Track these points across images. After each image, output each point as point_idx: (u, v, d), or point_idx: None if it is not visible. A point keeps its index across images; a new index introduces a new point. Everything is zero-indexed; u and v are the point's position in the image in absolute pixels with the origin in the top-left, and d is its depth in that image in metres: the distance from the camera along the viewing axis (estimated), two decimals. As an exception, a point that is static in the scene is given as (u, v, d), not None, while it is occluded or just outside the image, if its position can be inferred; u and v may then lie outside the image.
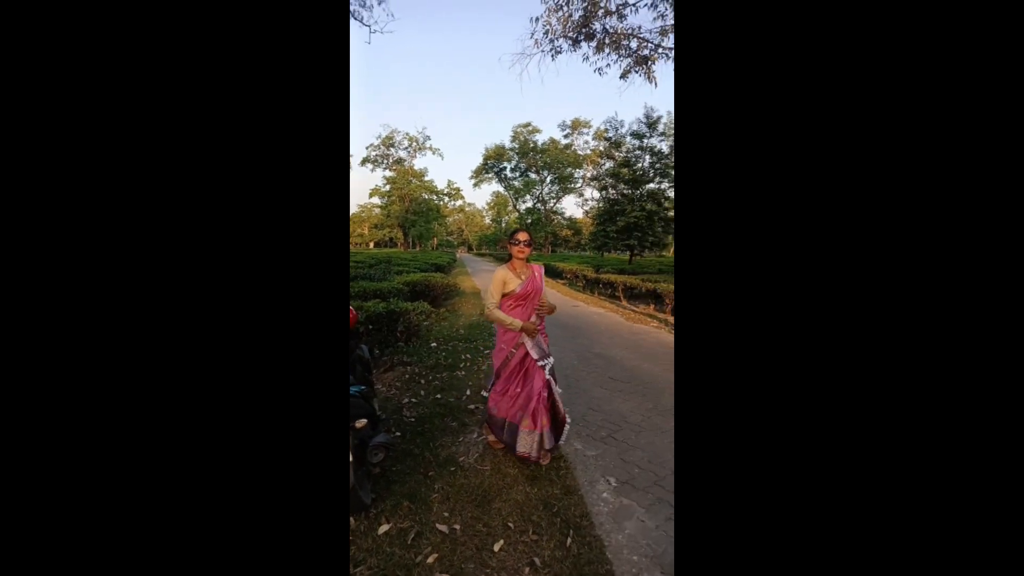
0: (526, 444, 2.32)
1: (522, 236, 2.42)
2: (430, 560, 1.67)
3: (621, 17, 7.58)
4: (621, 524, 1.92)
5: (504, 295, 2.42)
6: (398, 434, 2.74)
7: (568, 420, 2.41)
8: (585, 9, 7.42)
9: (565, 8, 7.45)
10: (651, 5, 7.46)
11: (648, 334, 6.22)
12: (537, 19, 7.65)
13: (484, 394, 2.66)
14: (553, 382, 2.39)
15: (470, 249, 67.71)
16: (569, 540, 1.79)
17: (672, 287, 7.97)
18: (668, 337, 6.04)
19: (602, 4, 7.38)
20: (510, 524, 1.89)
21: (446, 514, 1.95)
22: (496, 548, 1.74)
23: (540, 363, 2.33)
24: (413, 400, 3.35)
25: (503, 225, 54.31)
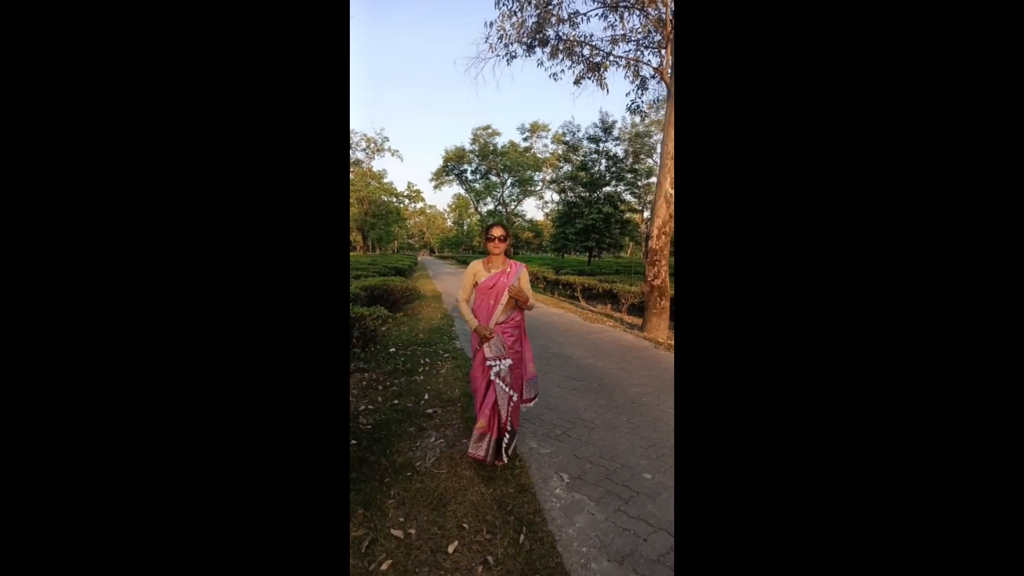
0: (477, 447, 2.33)
1: (496, 231, 2.39)
2: (384, 567, 1.68)
3: (574, 25, 7.79)
4: (572, 518, 2.00)
5: (475, 286, 2.44)
6: (353, 442, 2.71)
7: (508, 430, 2.34)
8: (539, 16, 7.57)
9: (519, 14, 7.57)
10: (602, 15, 7.72)
11: (604, 333, 6.42)
12: (491, 24, 7.72)
13: None
14: (502, 386, 2.30)
15: (432, 252, 66.93)
16: (522, 537, 1.85)
17: (627, 287, 8.25)
18: (623, 336, 6.26)
19: (555, 12, 7.56)
20: (465, 525, 1.92)
21: (401, 519, 1.96)
22: (450, 550, 1.77)
23: (488, 363, 2.31)
24: (370, 407, 3.31)
25: (465, 228, 54.08)
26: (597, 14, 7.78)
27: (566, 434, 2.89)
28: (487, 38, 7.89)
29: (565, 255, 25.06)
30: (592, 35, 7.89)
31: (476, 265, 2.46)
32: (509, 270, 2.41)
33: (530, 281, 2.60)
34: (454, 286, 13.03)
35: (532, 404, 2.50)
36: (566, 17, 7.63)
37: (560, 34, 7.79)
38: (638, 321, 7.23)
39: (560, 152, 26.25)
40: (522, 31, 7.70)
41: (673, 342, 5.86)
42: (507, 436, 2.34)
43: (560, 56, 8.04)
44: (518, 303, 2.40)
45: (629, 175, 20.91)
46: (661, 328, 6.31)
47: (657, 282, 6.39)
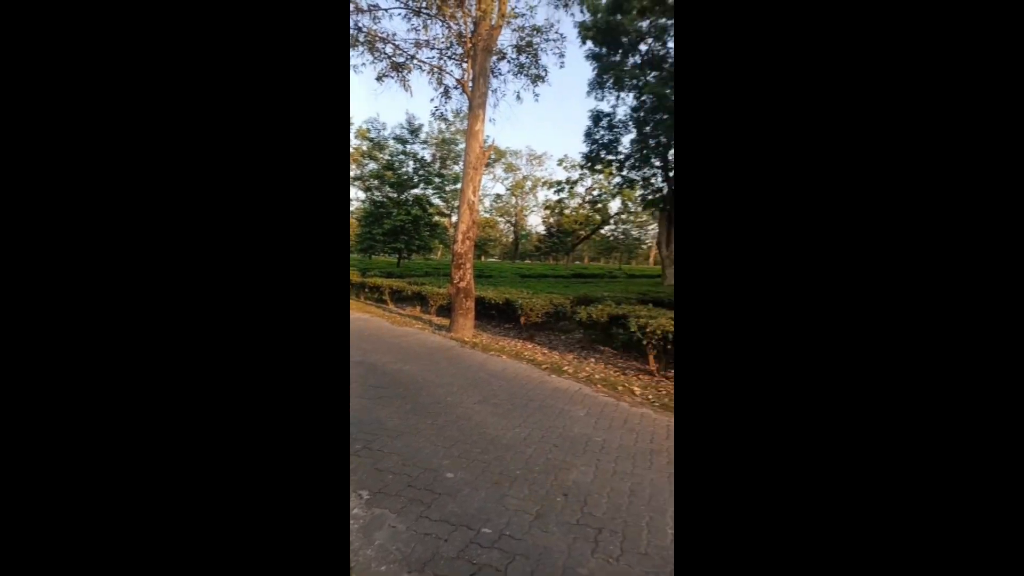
0: None
1: None
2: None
3: (375, 18, 7.50)
4: (371, 536, 1.88)
5: None
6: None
7: None
8: (335, -2, 7.00)
9: (311, -9, 6.85)
10: (405, 16, 7.64)
11: (411, 336, 6.37)
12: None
13: None
14: None
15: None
16: (311, 574, 1.64)
17: (436, 289, 8.39)
18: (431, 337, 6.33)
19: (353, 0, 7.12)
20: (235, 581, 1.60)
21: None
22: (213, 617, 1.44)
23: None
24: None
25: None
26: (400, 14, 7.66)
27: (367, 447, 2.72)
28: (272, 7, 6.90)
29: (373, 256, 24.00)
30: (395, 34, 7.75)
31: None
32: None
33: None
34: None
35: None
36: (366, 8, 7.28)
37: (359, 25, 7.39)
38: (446, 322, 7.42)
39: (364, 148, 25.04)
40: (316, 10, 7.00)
41: (478, 340, 6.21)
42: None
43: (360, 48, 7.63)
44: None
45: (437, 179, 21.37)
46: (467, 328, 6.62)
47: (463, 284, 6.68)
